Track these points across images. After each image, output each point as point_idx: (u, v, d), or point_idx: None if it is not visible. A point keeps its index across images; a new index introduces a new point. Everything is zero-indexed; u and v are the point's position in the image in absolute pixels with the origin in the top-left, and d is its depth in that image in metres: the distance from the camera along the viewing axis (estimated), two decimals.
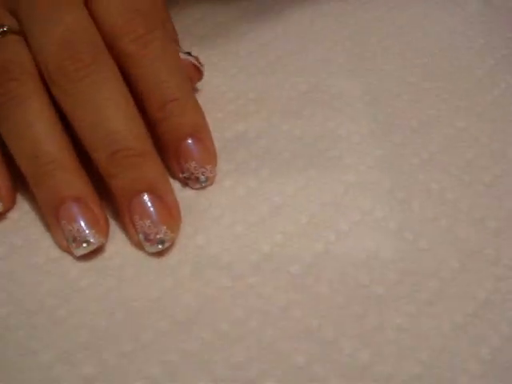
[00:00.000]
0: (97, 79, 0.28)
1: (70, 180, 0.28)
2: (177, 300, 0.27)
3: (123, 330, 0.26)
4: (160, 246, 0.27)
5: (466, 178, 0.31)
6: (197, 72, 0.33)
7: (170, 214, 0.28)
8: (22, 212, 0.29)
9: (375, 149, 0.32)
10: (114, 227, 0.29)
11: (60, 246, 0.28)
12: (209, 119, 0.31)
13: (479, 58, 0.37)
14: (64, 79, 0.27)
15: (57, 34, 0.28)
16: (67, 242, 0.27)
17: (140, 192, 0.27)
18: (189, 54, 0.32)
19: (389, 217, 0.30)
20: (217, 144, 0.31)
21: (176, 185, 0.30)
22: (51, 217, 0.28)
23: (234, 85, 0.32)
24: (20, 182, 0.29)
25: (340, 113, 0.34)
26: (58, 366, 0.25)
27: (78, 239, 0.27)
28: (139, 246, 0.28)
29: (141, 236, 0.27)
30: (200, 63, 0.33)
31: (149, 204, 0.27)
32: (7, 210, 0.29)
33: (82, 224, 0.27)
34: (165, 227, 0.27)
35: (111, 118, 0.28)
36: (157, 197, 0.28)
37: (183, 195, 0.30)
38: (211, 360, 0.25)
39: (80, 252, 0.27)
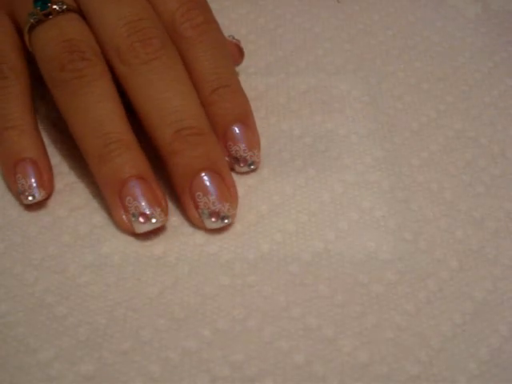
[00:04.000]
0: (164, 62, 0.29)
1: (134, 160, 0.28)
2: (176, 298, 0.27)
3: (122, 328, 0.26)
4: (226, 221, 0.28)
5: (465, 178, 0.31)
6: (240, 53, 0.35)
7: (230, 192, 0.29)
8: (21, 209, 0.29)
9: (375, 149, 0.32)
10: (111, 225, 0.29)
11: (119, 225, 0.28)
12: None
13: (478, 61, 0.37)
14: (135, 60, 0.29)
15: (124, 18, 0.29)
16: (129, 218, 0.28)
17: (202, 170, 0.28)
18: (232, 37, 0.34)
19: (388, 216, 0.30)
20: None
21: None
22: (113, 194, 0.28)
23: None
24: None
25: (340, 113, 0.34)
26: (57, 363, 0.25)
27: (145, 215, 0.28)
28: (194, 224, 0.29)
29: (205, 212, 0.28)
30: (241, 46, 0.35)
31: (211, 181, 0.28)
32: (47, 197, 0.30)
33: (148, 202, 0.28)
34: (228, 204, 0.28)
35: (177, 97, 0.29)
36: (218, 175, 0.29)
37: None
38: (210, 358, 0.25)
39: (143, 228, 0.28)
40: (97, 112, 0.28)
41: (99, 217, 0.29)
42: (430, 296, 0.27)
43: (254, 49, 0.37)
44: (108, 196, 0.29)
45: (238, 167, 0.31)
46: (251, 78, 0.35)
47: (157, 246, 0.28)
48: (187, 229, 0.29)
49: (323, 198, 0.30)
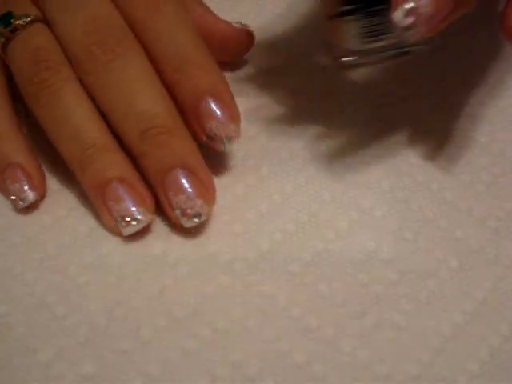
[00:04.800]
0: (124, 61, 0.28)
1: (114, 162, 0.28)
2: (176, 298, 0.27)
3: (122, 328, 0.26)
4: (196, 220, 0.28)
5: (465, 177, 0.31)
6: (250, 38, 0.34)
7: (205, 187, 0.28)
8: (20, 209, 0.29)
9: (375, 148, 0.32)
10: None
11: (107, 227, 0.28)
12: None
13: (479, 61, 0.37)
14: (93, 64, 0.28)
15: (80, 21, 0.29)
16: (115, 222, 0.28)
17: (173, 168, 0.28)
18: (240, 23, 0.34)
19: (388, 216, 0.30)
20: None
21: None
22: (97, 199, 0.28)
23: (234, 84, 0.32)
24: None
25: (340, 112, 0.34)
26: (57, 363, 0.25)
27: (127, 218, 0.27)
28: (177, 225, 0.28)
29: (177, 212, 0.28)
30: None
31: (182, 179, 0.28)
32: (41, 198, 0.30)
33: (130, 203, 0.28)
34: (201, 201, 0.28)
35: (140, 97, 0.28)
36: (190, 172, 0.28)
37: None
38: (210, 358, 0.25)
39: (129, 231, 0.28)
40: (70, 120, 0.28)
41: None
42: (430, 296, 0.27)
43: (254, 47, 0.37)
44: (93, 201, 0.28)
45: (215, 146, 0.29)
46: (251, 77, 0.35)
47: (156, 245, 0.28)
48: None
49: (323, 197, 0.30)
